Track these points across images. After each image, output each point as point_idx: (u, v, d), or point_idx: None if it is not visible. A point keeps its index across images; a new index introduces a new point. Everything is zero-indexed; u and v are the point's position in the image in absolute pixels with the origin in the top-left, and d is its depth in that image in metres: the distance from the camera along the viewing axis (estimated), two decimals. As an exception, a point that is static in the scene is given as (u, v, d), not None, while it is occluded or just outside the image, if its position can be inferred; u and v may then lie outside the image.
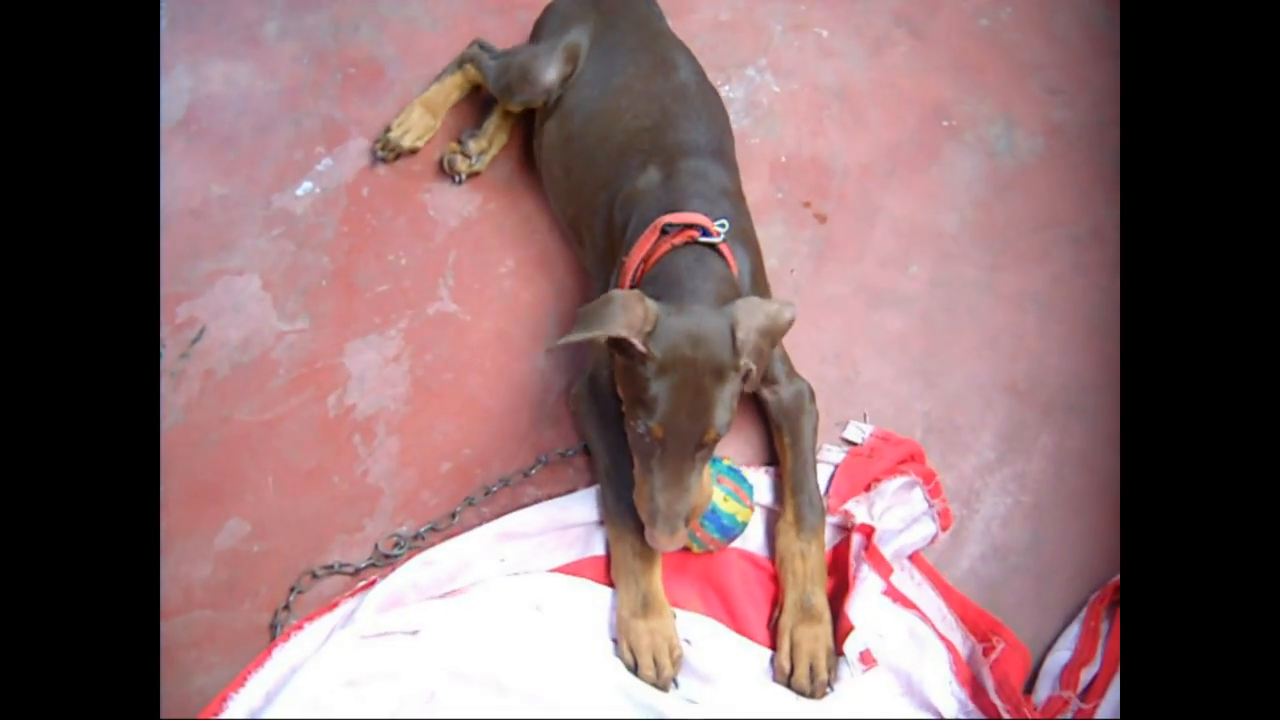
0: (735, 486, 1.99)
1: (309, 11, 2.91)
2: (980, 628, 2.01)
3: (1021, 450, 2.28)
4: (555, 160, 2.41)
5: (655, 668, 1.90)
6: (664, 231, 1.99)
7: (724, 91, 2.72)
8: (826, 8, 3.00)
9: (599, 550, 2.07)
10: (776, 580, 2.04)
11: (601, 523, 2.08)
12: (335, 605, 2.01)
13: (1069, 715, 1.92)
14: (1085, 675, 1.96)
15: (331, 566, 2.08)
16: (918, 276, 2.51)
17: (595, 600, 2.00)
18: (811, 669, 1.92)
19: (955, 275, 2.52)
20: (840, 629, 1.95)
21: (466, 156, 2.57)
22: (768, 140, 2.70)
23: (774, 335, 1.83)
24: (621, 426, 2.03)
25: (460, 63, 2.70)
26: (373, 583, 2.02)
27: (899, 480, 2.15)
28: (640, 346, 1.71)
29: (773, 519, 2.10)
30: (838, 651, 1.93)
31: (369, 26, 2.88)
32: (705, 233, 1.97)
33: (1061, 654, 2.02)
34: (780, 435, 2.16)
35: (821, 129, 2.73)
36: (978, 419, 2.32)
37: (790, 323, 1.84)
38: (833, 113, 2.78)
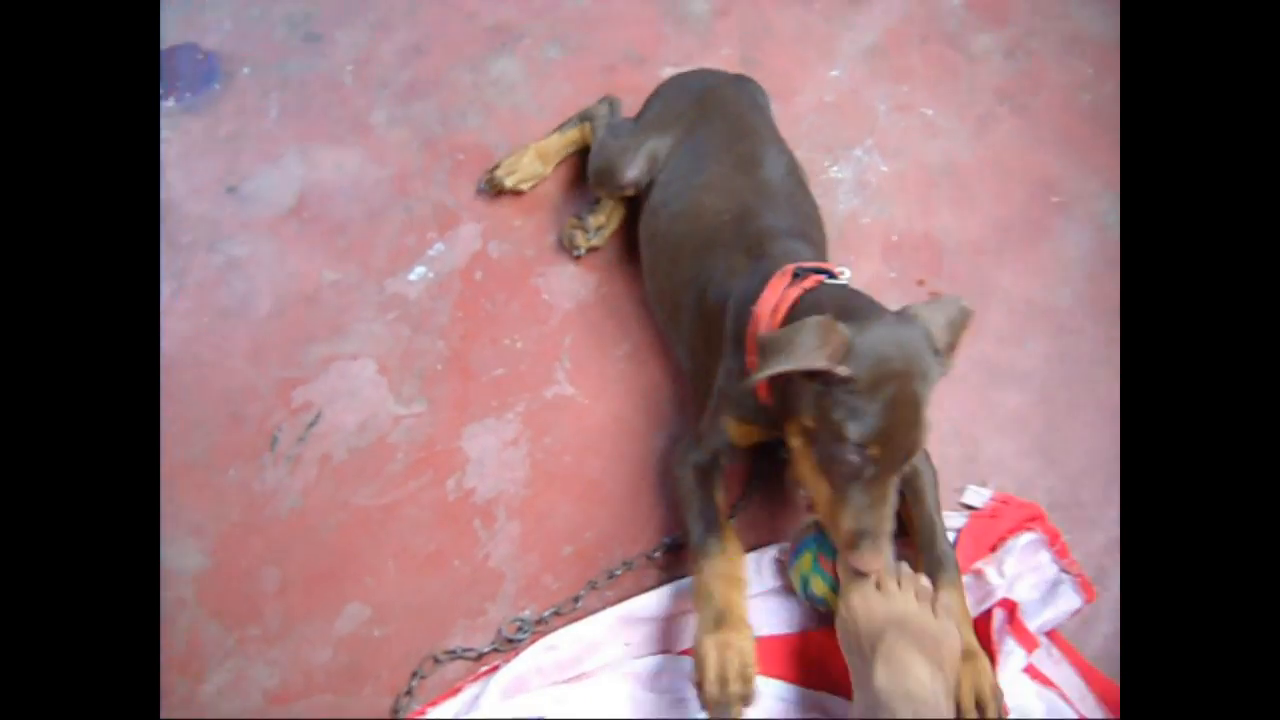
0: None
1: (417, 100, 2.95)
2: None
3: (1148, 527, 2.24)
4: (644, 257, 2.42)
5: (721, 684, 1.72)
6: (795, 277, 1.93)
7: (832, 172, 2.73)
8: (929, 87, 3.00)
9: None
10: None
11: None
12: (459, 690, 2.00)
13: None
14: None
15: (454, 651, 2.07)
16: (1034, 352, 2.49)
17: None
18: (979, 704, 1.87)
19: (1072, 350, 2.49)
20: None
21: (585, 231, 2.58)
22: (878, 220, 2.70)
23: (958, 329, 1.79)
24: (713, 481, 2.04)
25: (582, 117, 2.75)
26: (496, 668, 2.01)
27: (1025, 537, 2.13)
28: (842, 373, 1.65)
29: None
30: None
31: (476, 113, 2.92)
32: (831, 276, 1.93)
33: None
34: (902, 500, 2.11)
35: (931, 207, 2.72)
36: (1102, 495, 2.28)
37: (971, 314, 1.81)
38: (941, 191, 2.77)
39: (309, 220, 2.71)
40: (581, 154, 2.77)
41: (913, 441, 1.70)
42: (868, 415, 1.65)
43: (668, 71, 2.93)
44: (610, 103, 2.77)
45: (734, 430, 2.05)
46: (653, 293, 2.40)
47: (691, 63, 2.98)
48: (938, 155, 2.85)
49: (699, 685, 1.74)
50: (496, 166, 2.69)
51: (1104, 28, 3.15)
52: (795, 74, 3.02)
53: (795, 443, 1.80)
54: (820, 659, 2.01)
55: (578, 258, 2.60)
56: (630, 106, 2.76)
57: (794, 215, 2.25)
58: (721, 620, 1.79)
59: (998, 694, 1.88)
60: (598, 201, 2.64)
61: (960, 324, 1.78)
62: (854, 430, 1.66)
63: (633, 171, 2.47)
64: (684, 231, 2.28)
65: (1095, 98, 2.99)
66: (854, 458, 1.68)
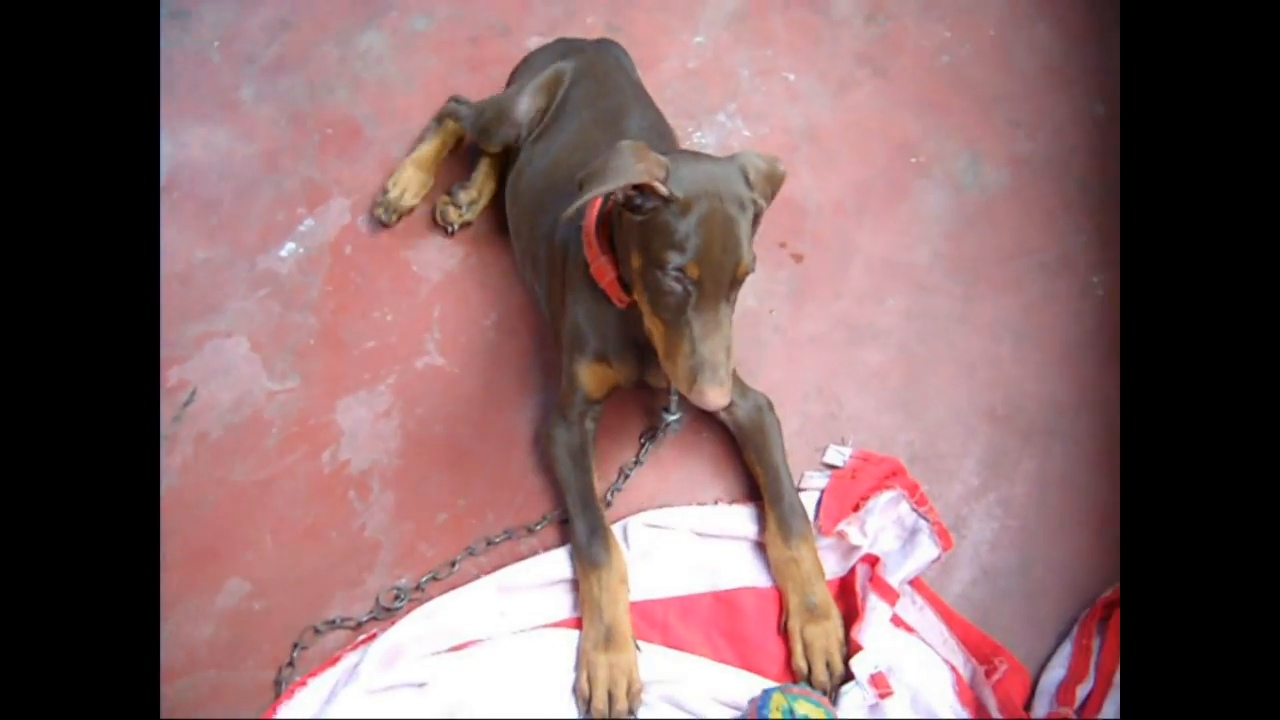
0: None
1: (284, 75, 2.94)
2: (982, 650, 2.05)
3: (1005, 475, 2.33)
4: (510, 219, 2.46)
5: (609, 700, 1.92)
6: None
7: (695, 138, 2.77)
8: (791, 52, 3.06)
9: None
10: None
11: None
12: (337, 660, 2.03)
13: (1068, 730, 1.97)
14: (1080, 691, 2.00)
15: (333, 621, 2.10)
16: (894, 310, 2.56)
17: None
18: (828, 664, 1.97)
19: (930, 307, 2.57)
20: (849, 651, 1.99)
21: (457, 207, 2.59)
22: (741, 184, 2.72)
23: (774, 183, 1.90)
24: (586, 462, 2.12)
25: (439, 119, 2.72)
26: (373, 636, 2.04)
27: (885, 495, 2.21)
28: (663, 190, 1.72)
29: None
30: (847, 675, 1.97)
31: (344, 88, 2.92)
32: None
33: (1056, 672, 2.06)
34: (747, 453, 2.22)
35: (793, 170, 2.73)
36: (960, 446, 2.37)
37: (784, 176, 1.93)
38: (803, 154, 2.83)
39: (179, 199, 2.70)
40: (455, 150, 2.78)
41: (732, 262, 1.75)
42: (683, 234, 1.72)
43: (534, 41, 2.96)
44: (456, 98, 2.75)
45: (588, 377, 2.11)
46: (519, 254, 2.43)
47: (557, 32, 3.01)
48: (799, 119, 2.91)
49: (586, 700, 1.93)
50: (386, 192, 2.65)
51: (961, -10, 3.23)
52: (659, 41, 3.06)
53: (637, 297, 1.87)
54: (681, 621, 2.08)
55: (450, 234, 2.62)
56: (496, 78, 2.80)
57: None
58: (610, 638, 1.95)
59: (843, 654, 1.99)
60: (468, 178, 2.65)
61: (775, 178, 1.91)
62: (673, 255, 1.72)
63: (525, 104, 2.48)
64: (541, 188, 2.31)
65: (954, 59, 3.06)
66: (676, 285, 1.74)
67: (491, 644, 2.02)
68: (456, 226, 2.61)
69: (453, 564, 2.16)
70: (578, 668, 1.98)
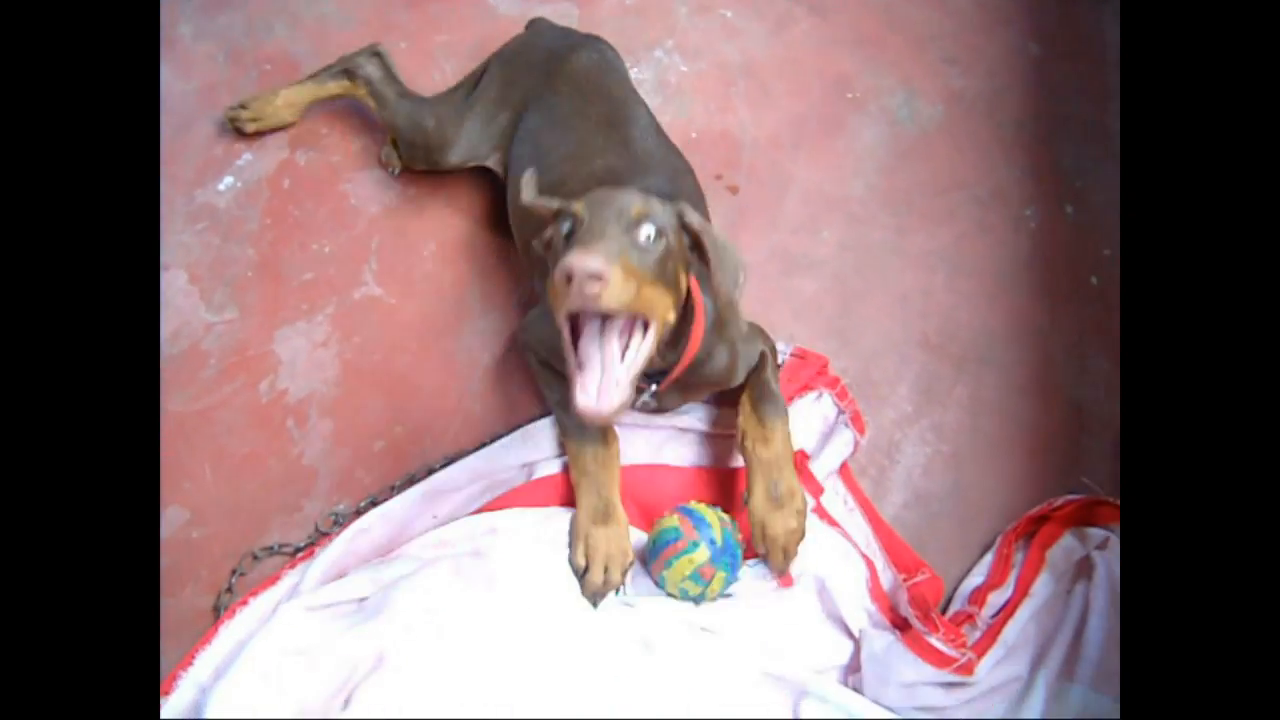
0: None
1: (222, 12, 2.92)
2: (904, 561, 2.11)
3: (937, 402, 2.38)
4: (516, 236, 2.32)
5: (605, 574, 1.96)
6: None
7: (634, 73, 2.77)
8: (729, -12, 3.06)
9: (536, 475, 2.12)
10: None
11: (530, 463, 2.15)
12: (277, 579, 2.06)
13: (978, 632, 2.01)
14: (995, 598, 2.06)
15: (271, 547, 2.13)
16: (828, 241, 2.59)
17: (530, 524, 2.04)
18: (784, 551, 1.99)
19: (864, 239, 2.60)
20: None
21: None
22: (678, 119, 2.75)
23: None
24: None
25: (351, 74, 2.58)
26: (312, 553, 2.08)
27: (810, 395, 2.26)
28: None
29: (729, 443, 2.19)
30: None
31: (282, 25, 2.90)
32: None
33: (974, 579, 2.13)
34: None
35: (729, 105, 2.79)
36: (894, 374, 2.41)
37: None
38: (740, 89, 2.84)
39: (116, 135, 2.68)
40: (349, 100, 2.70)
41: (623, 202, 1.65)
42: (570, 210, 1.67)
43: (474, -22, 2.96)
44: (380, 57, 2.60)
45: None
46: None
47: (494, -37, 3.00)
48: (736, 55, 2.92)
49: (582, 573, 1.97)
50: (244, 106, 2.61)
51: (898, -71, 3.23)
52: (598, -23, 3.05)
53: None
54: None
55: (394, 175, 2.61)
56: (434, 15, 2.82)
57: (667, 174, 2.22)
58: (607, 514, 2.01)
59: (801, 539, 2.01)
60: None
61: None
62: (563, 223, 1.68)
63: (459, 153, 2.41)
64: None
65: (889, -4, 3.08)
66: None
67: (419, 544, 2.04)
68: (399, 169, 2.59)
69: (393, 488, 2.18)
70: (573, 542, 2.00)
